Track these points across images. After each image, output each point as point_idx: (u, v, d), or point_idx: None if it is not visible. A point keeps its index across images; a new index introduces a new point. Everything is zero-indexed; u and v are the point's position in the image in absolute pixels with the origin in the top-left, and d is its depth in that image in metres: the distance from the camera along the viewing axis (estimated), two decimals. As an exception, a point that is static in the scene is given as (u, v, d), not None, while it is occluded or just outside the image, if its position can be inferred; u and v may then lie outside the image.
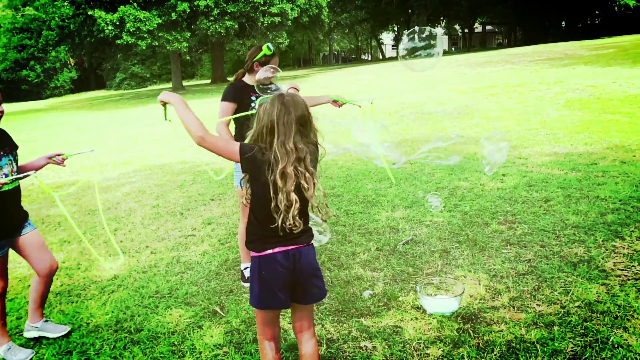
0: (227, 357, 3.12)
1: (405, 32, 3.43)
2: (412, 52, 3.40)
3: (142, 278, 4.45)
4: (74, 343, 3.43)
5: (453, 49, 60.23)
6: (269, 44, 3.79)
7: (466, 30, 56.49)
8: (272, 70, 3.50)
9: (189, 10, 28.86)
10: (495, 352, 2.92)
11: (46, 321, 3.52)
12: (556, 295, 3.49)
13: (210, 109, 18.23)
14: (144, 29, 28.00)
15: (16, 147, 3.28)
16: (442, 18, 56.15)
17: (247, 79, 3.86)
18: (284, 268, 2.30)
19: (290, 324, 3.45)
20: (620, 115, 9.57)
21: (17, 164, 3.22)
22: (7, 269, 3.27)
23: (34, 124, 21.08)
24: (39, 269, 3.32)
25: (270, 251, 2.29)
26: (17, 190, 3.21)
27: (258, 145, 2.24)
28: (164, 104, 2.51)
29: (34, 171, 3.17)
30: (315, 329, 3.35)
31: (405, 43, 3.39)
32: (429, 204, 4.72)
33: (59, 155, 3.29)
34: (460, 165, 7.23)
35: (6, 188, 3.07)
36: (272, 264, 2.30)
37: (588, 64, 16.44)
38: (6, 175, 3.08)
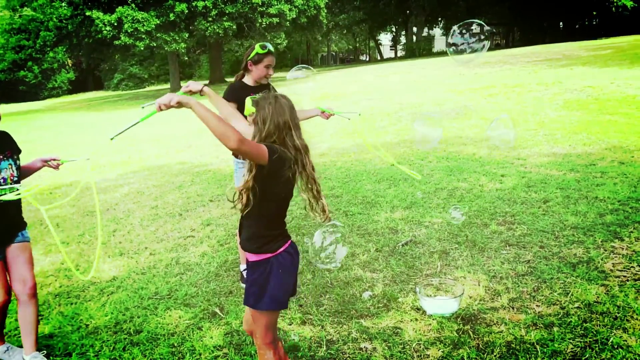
0: (227, 359, 3.12)
1: (455, 27, 3.46)
2: (460, 47, 3.45)
3: (141, 279, 4.44)
4: (73, 344, 3.43)
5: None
6: (266, 43, 3.79)
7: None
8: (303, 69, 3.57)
9: (187, 11, 28.85)
10: (495, 353, 2.92)
11: (36, 356, 3.21)
12: (556, 296, 3.50)
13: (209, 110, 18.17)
14: (142, 30, 27.98)
15: (19, 151, 3.23)
16: (440, 19, 56.17)
17: (247, 79, 3.87)
18: (295, 259, 2.41)
19: (290, 324, 3.45)
20: (618, 115, 9.59)
21: (18, 169, 3.17)
22: (6, 280, 3.15)
23: (32, 125, 21.05)
24: (14, 286, 3.14)
25: (284, 247, 2.35)
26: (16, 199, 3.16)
27: (276, 143, 2.26)
28: (169, 107, 2.22)
29: (18, 184, 3.06)
30: (315, 329, 3.35)
31: (455, 37, 3.45)
32: (451, 216, 4.76)
33: (54, 160, 3.25)
34: (459, 166, 7.24)
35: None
36: (288, 259, 2.36)
37: (586, 65, 16.46)
38: (4, 180, 3.04)
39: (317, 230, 2.80)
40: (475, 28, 3.42)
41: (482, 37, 3.42)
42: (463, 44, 3.43)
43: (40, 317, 3.86)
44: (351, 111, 3.82)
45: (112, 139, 2.47)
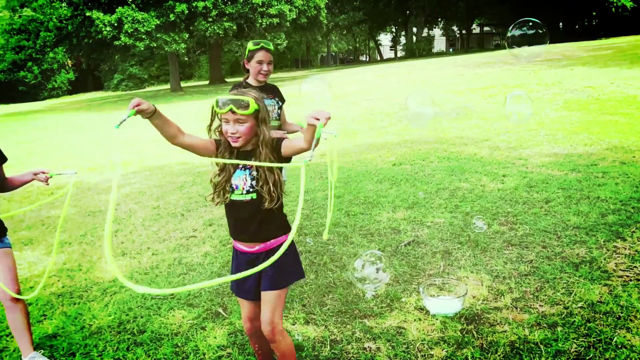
0: (231, 359, 3.12)
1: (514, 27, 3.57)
2: (520, 42, 3.55)
3: (144, 279, 4.44)
4: (77, 345, 3.43)
5: (451, 50, 60.31)
6: (259, 40, 3.79)
7: (464, 32, 56.55)
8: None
9: (187, 12, 28.84)
10: (499, 353, 2.92)
11: (34, 356, 3.18)
12: (559, 296, 3.50)
13: (209, 110, 18.16)
14: (142, 30, 27.96)
15: (3, 160, 3.13)
16: (439, 19, 56.23)
17: (250, 80, 3.88)
18: None
19: (294, 324, 3.45)
20: (618, 116, 9.60)
21: None
22: None
23: (32, 125, 21.01)
24: None
25: None
26: None
27: None
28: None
29: None
30: (319, 329, 3.35)
31: (514, 33, 3.56)
32: (475, 225, 4.80)
33: (43, 172, 3.16)
34: (460, 166, 7.24)
35: None
36: None
37: (586, 65, 16.48)
38: None
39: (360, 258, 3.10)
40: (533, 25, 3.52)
41: (541, 32, 3.53)
42: (523, 39, 3.51)
43: (43, 317, 3.87)
44: (327, 131, 3.64)
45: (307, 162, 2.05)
